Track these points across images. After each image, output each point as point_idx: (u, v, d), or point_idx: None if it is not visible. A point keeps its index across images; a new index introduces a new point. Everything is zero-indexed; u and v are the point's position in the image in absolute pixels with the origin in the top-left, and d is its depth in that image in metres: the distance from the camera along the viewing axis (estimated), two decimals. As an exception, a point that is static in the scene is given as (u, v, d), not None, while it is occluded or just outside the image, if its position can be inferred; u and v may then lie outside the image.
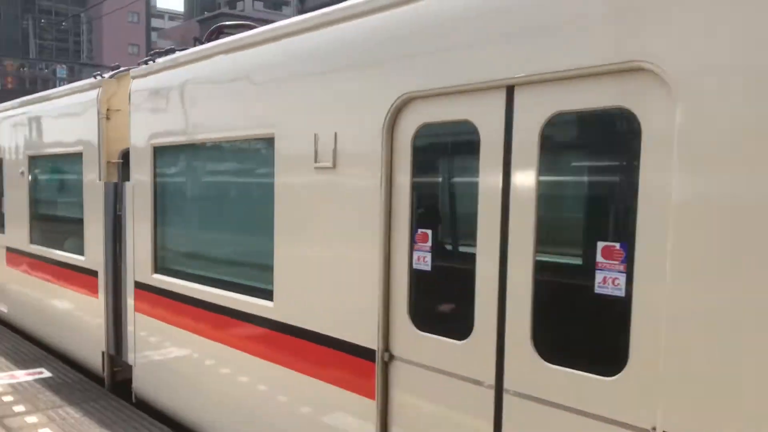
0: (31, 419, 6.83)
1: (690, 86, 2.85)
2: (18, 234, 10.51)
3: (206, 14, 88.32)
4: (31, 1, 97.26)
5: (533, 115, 3.45)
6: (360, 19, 4.45)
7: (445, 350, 3.95)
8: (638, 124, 3.06)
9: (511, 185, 3.56)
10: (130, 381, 7.54)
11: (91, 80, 8.43)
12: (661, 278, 2.98)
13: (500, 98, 3.60)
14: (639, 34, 3.01)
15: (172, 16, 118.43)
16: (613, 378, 3.18)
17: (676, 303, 2.92)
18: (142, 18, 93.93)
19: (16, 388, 7.80)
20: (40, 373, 8.39)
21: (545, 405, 3.47)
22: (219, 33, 6.93)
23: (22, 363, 8.82)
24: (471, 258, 3.80)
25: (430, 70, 3.94)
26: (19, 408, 7.15)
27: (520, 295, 3.54)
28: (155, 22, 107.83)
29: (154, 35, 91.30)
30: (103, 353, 8.16)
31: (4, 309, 11.37)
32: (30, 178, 10.14)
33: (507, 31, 3.55)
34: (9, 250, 10.94)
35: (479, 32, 3.68)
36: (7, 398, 7.45)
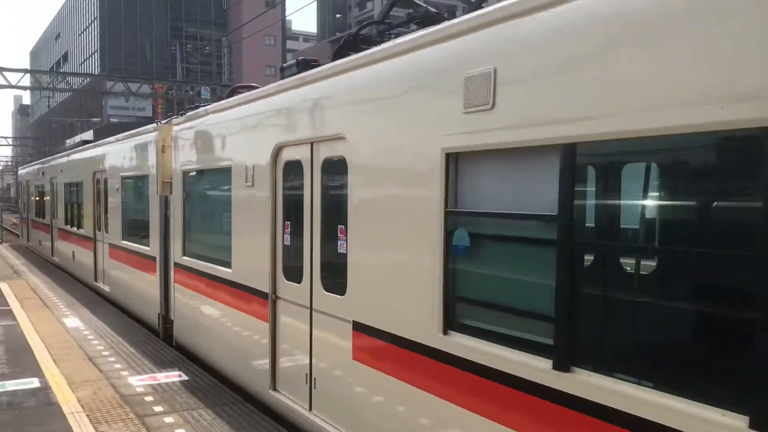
0: (168, 419, 7.22)
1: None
2: (114, 233, 14.61)
3: (337, 35, 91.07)
4: (179, 28, 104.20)
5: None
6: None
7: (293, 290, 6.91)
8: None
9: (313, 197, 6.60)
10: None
11: (154, 125, 12.15)
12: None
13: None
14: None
15: (306, 37, 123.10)
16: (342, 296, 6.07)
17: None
18: (278, 41, 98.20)
19: (156, 389, 8.28)
20: (178, 375, 8.87)
21: (325, 315, 6.31)
22: (233, 92, 9.59)
23: (162, 365, 9.36)
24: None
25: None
26: (158, 408, 7.59)
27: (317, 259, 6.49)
28: (290, 44, 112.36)
29: (289, 56, 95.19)
30: (158, 314, 11.54)
31: (107, 288, 15.35)
32: (122, 192, 14.02)
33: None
34: (111, 245, 14.93)
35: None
36: (149, 398, 7.93)
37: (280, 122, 7.15)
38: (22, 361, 9.51)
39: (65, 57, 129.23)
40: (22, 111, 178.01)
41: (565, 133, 3.74)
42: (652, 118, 3.29)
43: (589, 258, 3.96)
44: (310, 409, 6.65)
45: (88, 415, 7.28)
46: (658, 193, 3.79)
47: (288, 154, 7.02)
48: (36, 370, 9.02)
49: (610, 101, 3.51)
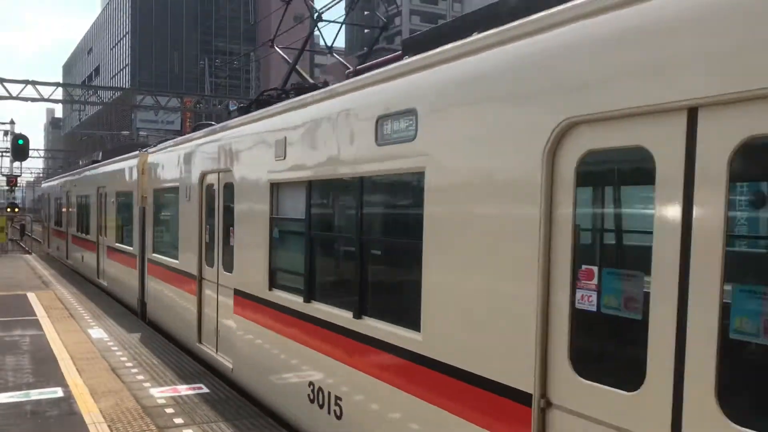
0: (189, 432, 7.24)
1: None
2: (111, 237, 17.92)
3: (365, 49, 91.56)
4: (208, 42, 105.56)
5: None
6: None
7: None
8: None
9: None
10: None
11: (137, 152, 15.57)
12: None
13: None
14: None
15: (334, 51, 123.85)
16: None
17: None
18: (306, 55, 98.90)
19: (177, 401, 8.31)
20: (200, 388, 8.90)
21: (223, 287, 8.02)
22: (197, 128, 12.11)
23: (184, 378, 9.40)
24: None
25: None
26: (178, 420, 7.61)
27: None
28: (318, 59, 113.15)
29: (317, 71, 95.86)
30: (137, 299, 14.82)
31: (105, 283, 18.62)
32: (116, 204, 17.45)
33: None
34: (108, 248, 18.20)
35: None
36: (169, 410, 7.96)
37: (204, 157, 10.44)
38: (47, 370, 9.62)
39: (97, 71, 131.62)
40: (54, 124, 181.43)
41: (307, 176, 6.97)
42: (332, 170, 6.46)
43: (317, 241, 7.12)
44: (217, 351, 9.76)
45: (109, 426, 7.32)
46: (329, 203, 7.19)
47: (208, 179, 10.25)
48: (60, 380, 9.11)
49: (321, 161, 6.71)
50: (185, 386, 8.98)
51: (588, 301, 3.69)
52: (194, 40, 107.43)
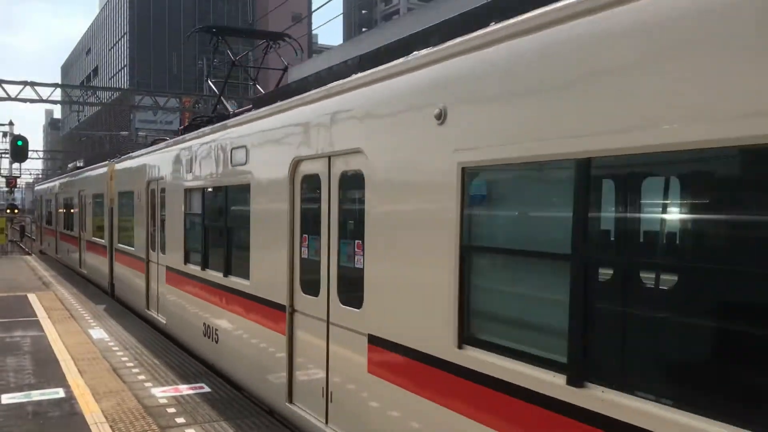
0: (190, 431, 7.24)
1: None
2: (89, 232, 21.31)
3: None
4: (207, 43, 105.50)
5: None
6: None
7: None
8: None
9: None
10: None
11: (107, 162, 18.84)
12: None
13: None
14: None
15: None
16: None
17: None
18: (305, 55, 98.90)
19: (179, 401, 8.32)
20: (201, 387, 8.91)
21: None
22: (155, 142, 15.69)
23: (186, 377, 9.41)
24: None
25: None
26: (180, 420, 7.62)
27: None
28: (316, 58, 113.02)
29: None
30: (108, 282, 18.27)
31: (85, 271, 21.99)
32: (93, 204, 20.80)
33: None
34: (87, 241, 21.70)
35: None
36: (171, 410, 7.97)
37: (148, 168, 13.84)
38: (48, 371, 9.63)
39: (95, 71, 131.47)
40: (53, 125, 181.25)
41: (202, 184, 10.17)
42: (211, 181, 10.02)
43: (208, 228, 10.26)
44: (158, 313, 13.33)
45: (111, 426, 7.33)
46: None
47: (151, 185, 13.62)
48: (61, 381, 9.12)
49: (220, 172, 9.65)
50: (186, 386, 8.99)
51: (305, 253, 7.09)
52: (192, 40, 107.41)
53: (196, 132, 10.97)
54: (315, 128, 6.76)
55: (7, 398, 8.30)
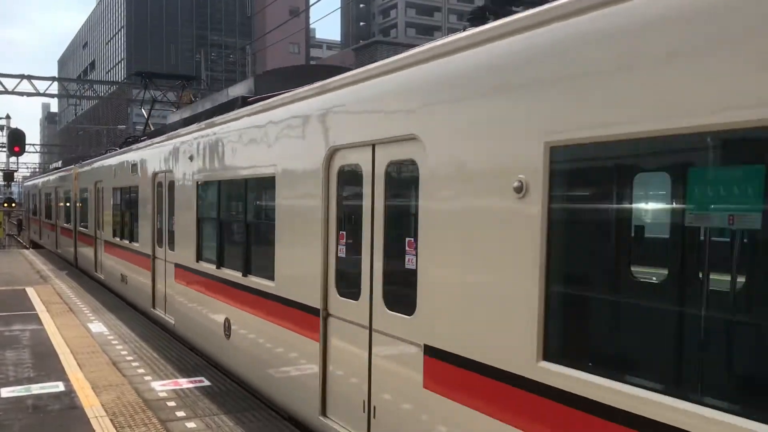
0: (190, 425, 7.26)
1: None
2: (65, 222, 25.99)
3: (361, 42, 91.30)
4: (204, 36, 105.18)
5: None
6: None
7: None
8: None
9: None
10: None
11: (74, 165, 24.27)
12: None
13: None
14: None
15: (330, 45, 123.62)
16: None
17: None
18: (303, 49, 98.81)
19: (179, 395, 8.34)
20: (201, 381, 8.92)
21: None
22: (124, 144, 18.10)
23: (185, 371, 9.42)
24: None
25: None
26: (180, 413, 7.63)
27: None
28: (314, 52, 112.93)
29: (313, 63, 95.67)
30: (72, 255, 23.76)
31: (60, 251, 27.28)
32: (63, 199, 26.37)
33: None
34: (62, 228, 26.85)
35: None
36: (171, 403, 7.98)
37: (97, 173, 18.89)
38: (48, 365, 9.63)
39: (92, 65, 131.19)
40: (50, 119, 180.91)
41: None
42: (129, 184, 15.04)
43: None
44: (96, 270, 19.28)
45: (111, 420, 7.34)
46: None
47: (98, 186, 18.77)
48: (61, 374, 9.13)
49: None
50: (186, 379, 9.00)
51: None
52: (190, 33, 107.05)
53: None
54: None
55: (7, 392, 8.31)
